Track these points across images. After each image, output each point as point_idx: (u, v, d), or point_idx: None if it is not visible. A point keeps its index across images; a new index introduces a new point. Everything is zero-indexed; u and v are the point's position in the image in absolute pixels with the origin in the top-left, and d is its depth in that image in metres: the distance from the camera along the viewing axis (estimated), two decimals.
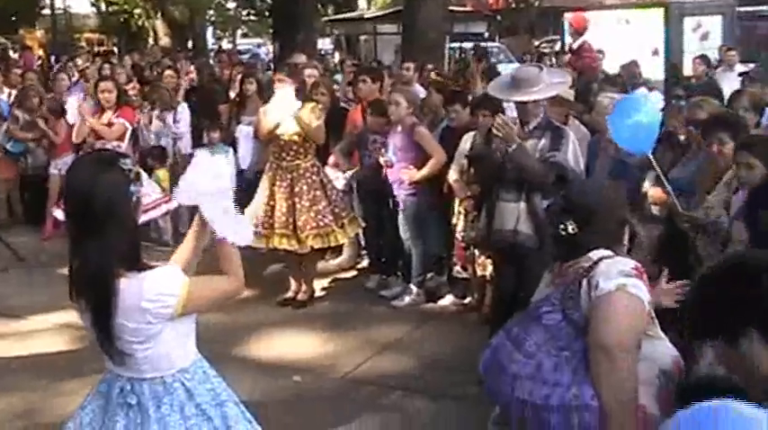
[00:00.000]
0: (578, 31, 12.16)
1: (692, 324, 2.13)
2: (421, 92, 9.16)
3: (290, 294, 7.68)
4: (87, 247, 2.78)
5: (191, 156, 9.28)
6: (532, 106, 5.63)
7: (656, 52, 14.76)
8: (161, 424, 2.88)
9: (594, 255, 3.09)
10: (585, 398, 2.90)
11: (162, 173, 9.16)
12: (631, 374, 2.90)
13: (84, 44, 34.86)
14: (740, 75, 11.33)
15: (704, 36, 15.29)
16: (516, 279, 5.69)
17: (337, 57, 20.82)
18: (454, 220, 7.10)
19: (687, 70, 13.38)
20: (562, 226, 3.13)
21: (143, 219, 7.21)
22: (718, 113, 5.60)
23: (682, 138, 6.13)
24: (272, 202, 7.34)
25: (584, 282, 3.02)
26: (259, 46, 37.26)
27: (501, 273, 6.05)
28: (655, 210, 5.64)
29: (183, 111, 9.96)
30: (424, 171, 7.18)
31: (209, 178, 2.96)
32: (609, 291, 2.92)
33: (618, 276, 2.95)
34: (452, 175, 6.88)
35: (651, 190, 5.67)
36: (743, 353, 1.93)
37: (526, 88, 5.58)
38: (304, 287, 7.66)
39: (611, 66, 12.13)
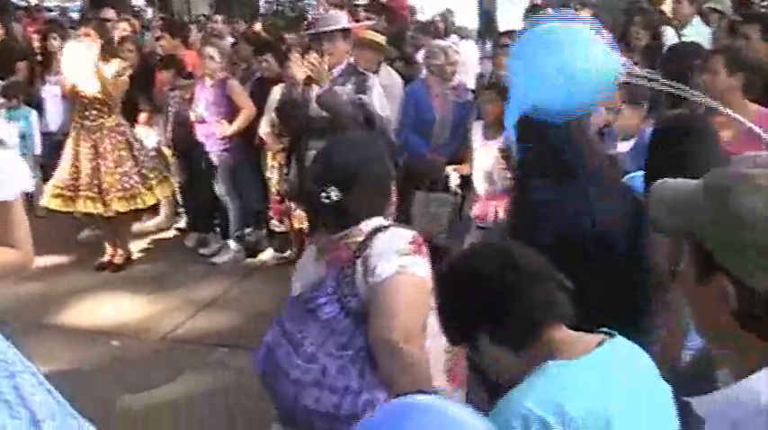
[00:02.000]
0: None
1: (444, 330, 2.18)
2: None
3: (106, 258, 7.45)
4: None
5: None
6: (331, 47, 5.67)
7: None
8: None
9: (366, 226, 2.73)
10: (379, 403, 2.57)
11: None
12: (422, 363, 2.67)
13: None
14: None
15: None
16: None
17: (150, 13, 20.10)
18: (268, 174, 7.06)
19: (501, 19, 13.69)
20: (324, 193, 2.69)
21: None
22: None
23: None
24: (76, 164, 7.07)
25: (359, 263, 2.67)
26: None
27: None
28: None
29: None
30: (236, 125, 7.10)
31: None
32: (388, 276, 2.60)
33: (396, 256, 2.63)
34: (264, 128, 6.82)
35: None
36: (484, 354, 2.04)
37: (320, 26, 5.79)
38: (120, 250, 7.46)
39: (425, 15, 12.29)
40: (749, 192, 1.26)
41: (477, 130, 5.99)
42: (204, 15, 14.89)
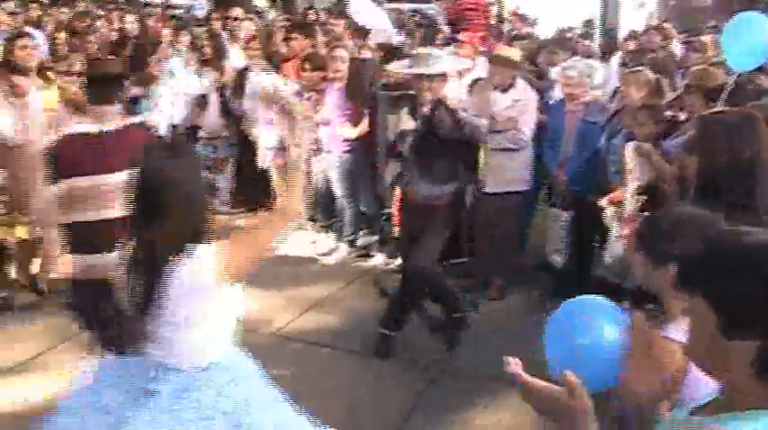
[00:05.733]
0: None
1: None
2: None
3: None
4: None
5: None
6: (429, 87, 5.36)
7: (588, 23, 14.91)
8: None
9: None
10: None
11: None
12: None
13: None
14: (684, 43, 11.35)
15: (641, 5, 15.50)
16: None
17: (272, 14, 20.47)
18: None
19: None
20: None
21: None
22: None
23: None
24: None
25: None
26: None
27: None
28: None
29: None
30: (360, 128, 7.18)
31: None
32: None
33: None
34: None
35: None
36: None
37: (420, 66, 5.42)
38: None
39: (545, 32, 12.24)
40: None
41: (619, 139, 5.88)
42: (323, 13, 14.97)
